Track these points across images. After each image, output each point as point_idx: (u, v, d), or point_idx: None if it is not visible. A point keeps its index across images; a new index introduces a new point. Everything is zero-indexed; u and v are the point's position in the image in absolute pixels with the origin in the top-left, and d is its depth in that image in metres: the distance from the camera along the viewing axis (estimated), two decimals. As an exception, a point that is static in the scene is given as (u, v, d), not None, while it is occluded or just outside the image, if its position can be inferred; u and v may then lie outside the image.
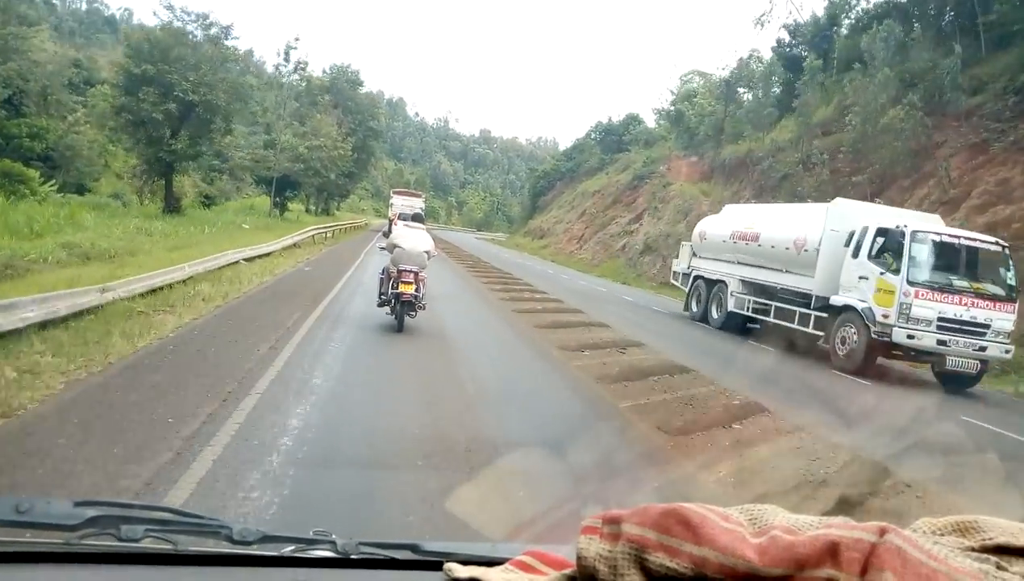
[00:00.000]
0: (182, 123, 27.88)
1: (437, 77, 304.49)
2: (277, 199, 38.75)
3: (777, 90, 45.51)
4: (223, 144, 30.44)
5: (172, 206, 28.87)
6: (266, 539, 1.09)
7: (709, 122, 46.64)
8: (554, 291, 20.39)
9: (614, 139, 72.41)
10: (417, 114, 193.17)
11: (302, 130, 40.64)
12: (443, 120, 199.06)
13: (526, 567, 1.01)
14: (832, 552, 0.77)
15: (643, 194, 50.71)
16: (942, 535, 0.81)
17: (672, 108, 61.30)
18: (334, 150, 40.26)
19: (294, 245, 22.49)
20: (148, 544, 1.04)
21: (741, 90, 48.65)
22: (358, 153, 53.38)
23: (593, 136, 77.06)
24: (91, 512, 1.03)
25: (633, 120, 72.66)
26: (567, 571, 0.94)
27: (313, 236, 26.21)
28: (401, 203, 35.00)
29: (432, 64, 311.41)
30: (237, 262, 14.98)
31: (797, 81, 38.59)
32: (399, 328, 10.06)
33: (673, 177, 48.91)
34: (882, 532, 0.77)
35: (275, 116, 39.71)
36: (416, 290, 9.93)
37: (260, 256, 17.18)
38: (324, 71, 54.67)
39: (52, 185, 32.73)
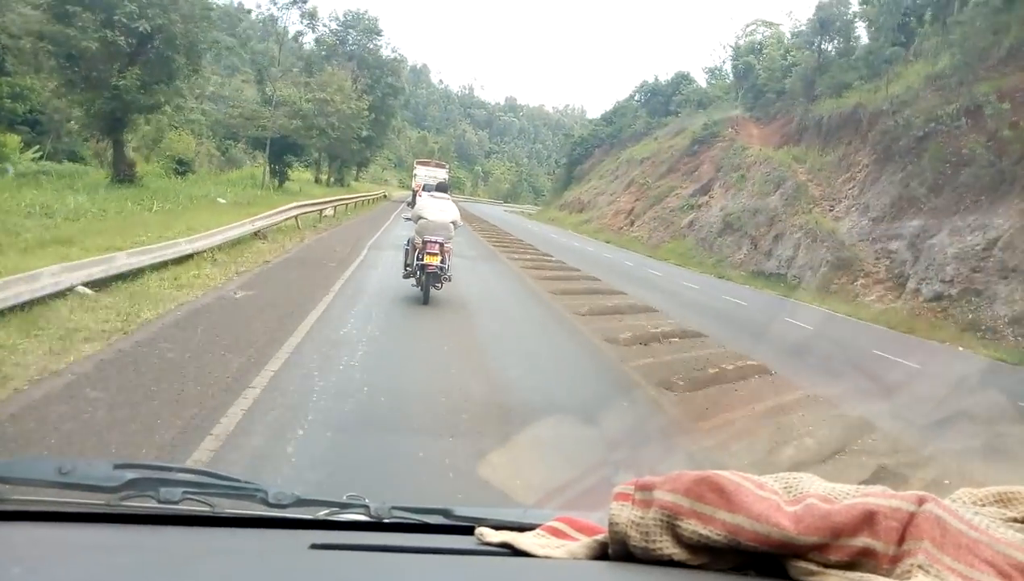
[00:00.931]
0: (133, 61, 20.20)
1: (462, 42, 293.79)
2: (275, 166, 31.03)
3: (860, 39, 37.42)
4: (191, 89, 22.95)
5: (123, 174, 21.30)
6: (301, 502, 1.07)
7: (796, 74, 38.11)
8: (680, 313, 12.49)
9: (661, 101, 63.75)
10: (441, 81, 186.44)
11: (304, 80, 32.77)
12: (468, 87, 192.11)
13: (558, 533, 0.98)
14: (869, 521, 0.75)
15: (707, 161, 42.64)
16: (983, 505, 0.78)
17: (734, 64, 52.82)
18: (344, 104, 32.38)
19: (256, 234, 14.31)
20: (186, 506, 1.03)
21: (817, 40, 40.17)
22: (376, 114, 45.50)
23: (637, 98, 68.44)
24: (130, 474, 1.02)
25: (684, 79, 63.99)
26: (599, 537, 0.92)
27: (296, 217, 17.76)
28: (424, 174, 32.57)
29: (457, 28, 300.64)
30: (72, 289, 6.85)
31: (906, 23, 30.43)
32: (424, 300, 9.60)
33: (745, 140, 40.84)
34: (921, 501, 0.75)
35: (268, 60, 31.68)
36: (442, 261, 9.52)
37: (161, 265, 9.03)
38: (337, 18, 46.49)
39: (35, 152, 26.30)
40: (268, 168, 29.88)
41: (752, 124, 45.37)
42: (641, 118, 63.86)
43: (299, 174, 39.28)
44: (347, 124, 37.66)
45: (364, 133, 42.37)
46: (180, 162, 26.89)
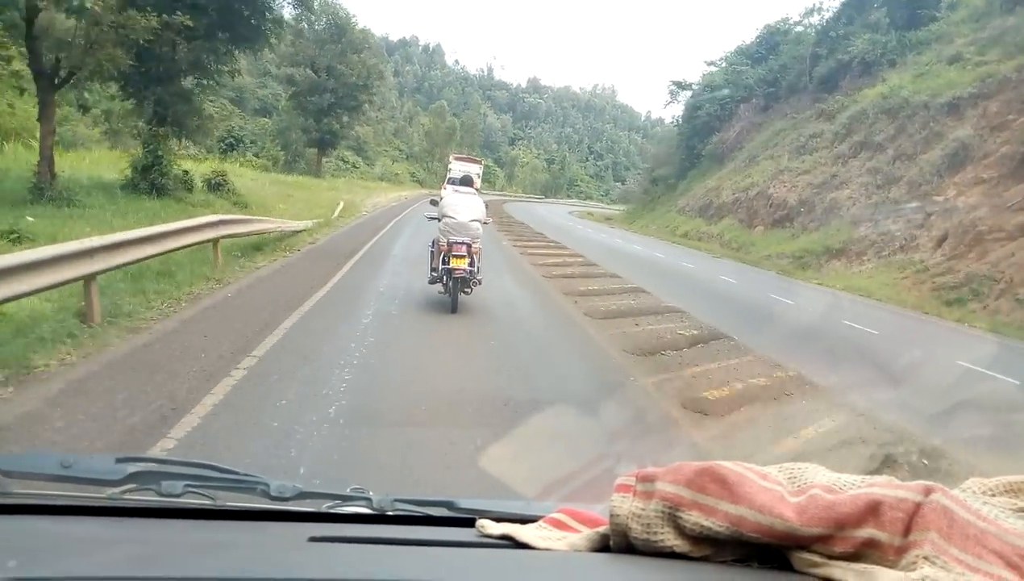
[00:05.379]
0: None
1: (478, 21, 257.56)
2: None
3: None
4: None
5: None
6: (303, 495, 1.02)
7: None
8: None
9: (910, 4, 30.12)
10: (457, 62, 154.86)
11: None
12: (487, 68, 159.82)
13: (560, 524, 0.94)
14: (874, 511, 0.70)
15: None
16: (992, 496, 0.73)
17: None
18: None
19: None
20: (187, 499, 0.98)
21: None
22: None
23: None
24: (132, 468, 0.99)
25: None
26: (600, 529, 0.87)
27: None
28: (460, 168, 26.41)
29: (472, 6, 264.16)
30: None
31: None
32: (453, 308, 8.28)
33: None
34: (928, 492, 0.70)
35: None
36: (470, 264, 8.26)
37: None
38: None
39: None
40: None
41: None
42: (860, 37, 30.00)
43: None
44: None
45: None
46: None
